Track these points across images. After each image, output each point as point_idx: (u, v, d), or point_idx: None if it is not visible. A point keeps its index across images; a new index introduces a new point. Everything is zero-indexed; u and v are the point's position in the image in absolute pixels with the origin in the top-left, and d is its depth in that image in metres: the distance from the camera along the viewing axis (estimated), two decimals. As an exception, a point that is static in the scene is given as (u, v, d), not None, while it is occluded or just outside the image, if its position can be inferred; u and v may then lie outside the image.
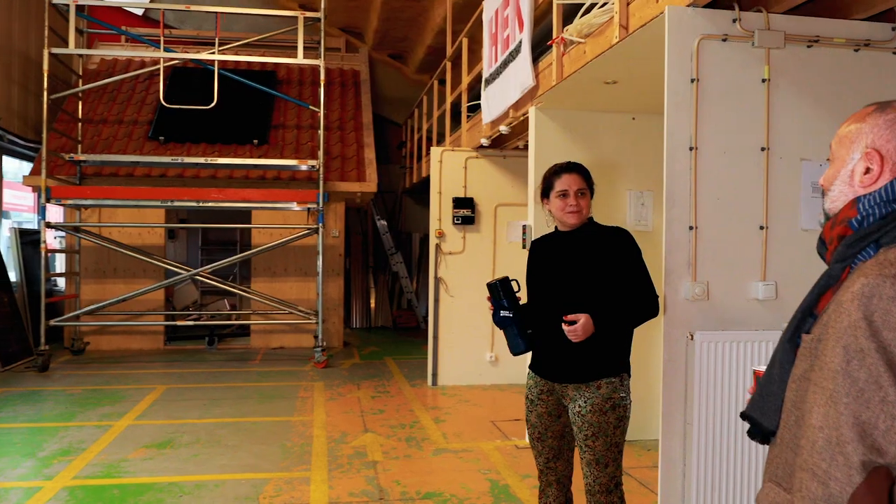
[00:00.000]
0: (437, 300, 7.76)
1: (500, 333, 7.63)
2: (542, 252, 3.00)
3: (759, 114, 3.32)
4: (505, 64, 5.82)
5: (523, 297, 3.01)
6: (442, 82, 9.33)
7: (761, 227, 3.32)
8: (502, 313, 2.87)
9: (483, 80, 6.55)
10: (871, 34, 3.40)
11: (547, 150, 5.46)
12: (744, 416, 1.47)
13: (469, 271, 7.73)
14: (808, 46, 3.35)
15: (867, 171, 1.33)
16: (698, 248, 3.26)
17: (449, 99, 8.66)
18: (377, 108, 12.02)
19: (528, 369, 3.04)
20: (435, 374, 7.76)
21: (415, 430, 5.92)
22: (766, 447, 1.46)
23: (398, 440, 5.58)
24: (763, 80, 3.31)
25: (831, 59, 3.39)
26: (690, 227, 3.25)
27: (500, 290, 2.88)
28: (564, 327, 2.69)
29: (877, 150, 1.33)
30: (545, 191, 2.92)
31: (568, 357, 2.81)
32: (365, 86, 11.75)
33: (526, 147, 7.20)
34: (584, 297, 2.79)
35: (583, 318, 2.67)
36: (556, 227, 3.02)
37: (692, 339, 3.23)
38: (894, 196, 1.29)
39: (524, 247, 5.63)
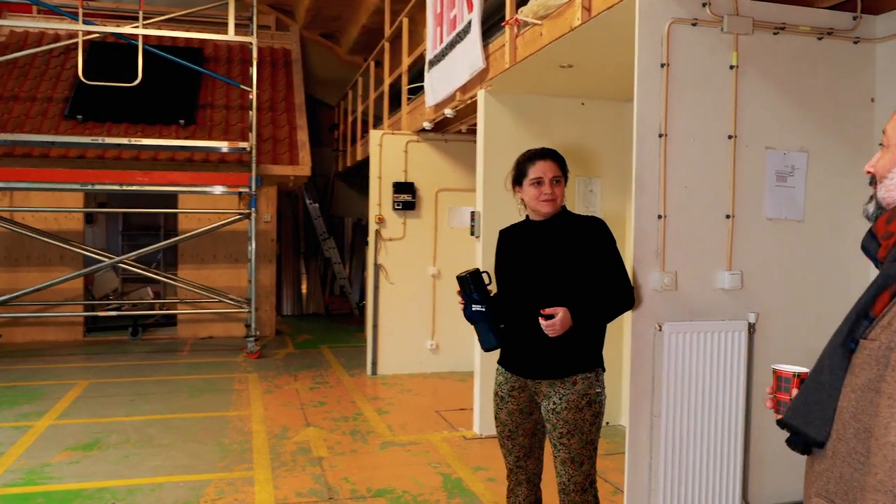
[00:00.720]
0: (376, 287, 7.56)
1: (446, 322, 7.64)
2: (513, 242, 2.86)
3: (727, 101, 3.26)
4: (452, 45, 5.63)
5: (493, 288, 2.87)
6: (379, 64, 9.07)
7: (728, 216, 3.28)
8: (474, 308, 2.72)
9: (427, 61, 6.35)
10: (833, 23, 3.39)
11: (496, 135, 5.33)
12: (784, 424, 1.36)
13: (410, 258, 7.56)
14: (775, 33, 3.31)
15: None
16: (667, 237, 3.19)
17: (387, 81, 8.42)
18: (308, 89, 11.63)
19: (497, 365, 2.90)
20: (374, 363, 7.58)
21: (359, 422, 5.73)
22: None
23: (342, 434, 5.38)
24: (731, 67, 3.25)
25: (796, 46, 3.36)
26: (659, 216, 3.18)
27: (471, 284, 2.73)
28: (542, 322, 2.56)
29: None
30: (517, 178, 2.78)
31: (542, 352, 2.69)
32: (296, 66, 11.35)
33: (469, 131, 7.07)
34: (559, 290, 2.66)
35: (561, 312, 2.55)
36: (527, 216, 2.88)
37: (660, 329, 3.16)
38: None
39: (473, 234, 5.50)
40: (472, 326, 2.79)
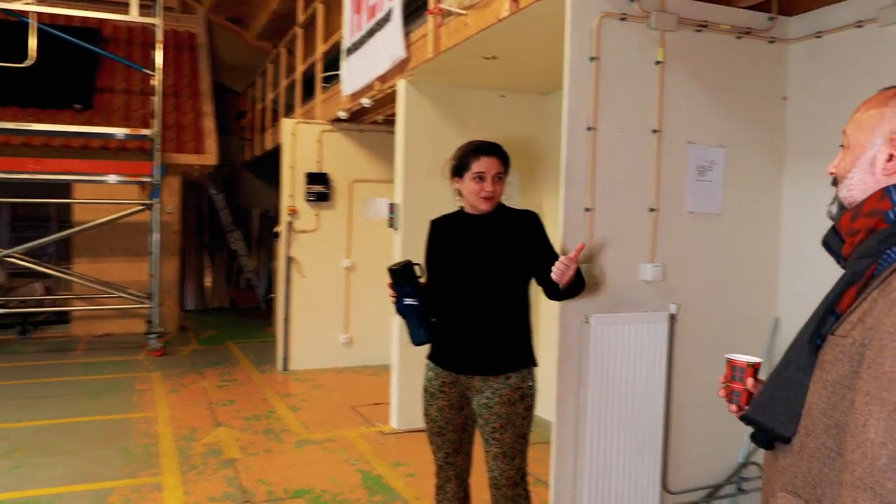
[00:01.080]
0: (288, 281, 7.34)
1: (360, 315, 7.50)
2: (447, 234, 2.80)
3: (653, 96, 3.30)
4: (371, 33, 5.51)
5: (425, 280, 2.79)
6: (291, 51, 8.81)
7: (651, 210, 3.32)
8: (406, 301, 2.64)
9: (344, 49, 6.19)
10: (751, 23, 3.49)
11: (416, 126, 5.26)
12: (749, 420, 1.35)
13: (323, 250, 7.39)
14: (697, 31, 3.37)
15: (891, 158, 1.24)
16: (594, 230, 3.20)
17: (300, 68, 8.19)
18: (214, 75, 11.18)
19: (426, 360, 2.83)
20: (286, 359, 7.37)
21: (272, 420, 5.55)
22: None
23: (255, 433, 5.19)
24: (657, 63, 3.29)
25: (717, 44, 3.44)
26: (587, 209, 3.18)
27: (403, 276, 2.64)
28: (562, 260, 2.45)
29: None
30: (458, 169, 2.71)
31: (476, 348, 2.64)
32: (202, 50, 10.89)
33: (386, 121, 6.96)
34: (495, 284, 2.62)
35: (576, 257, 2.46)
36: (461, 208, 2.82)
37: (587, 322, 3.17)
38: None
39: (391, 226, 5.40)
40: (403, 320, 2.70)
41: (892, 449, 1.02)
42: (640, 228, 3.31)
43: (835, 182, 1.37)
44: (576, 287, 2.58)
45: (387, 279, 2.71)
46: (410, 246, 5.20)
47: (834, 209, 1.35)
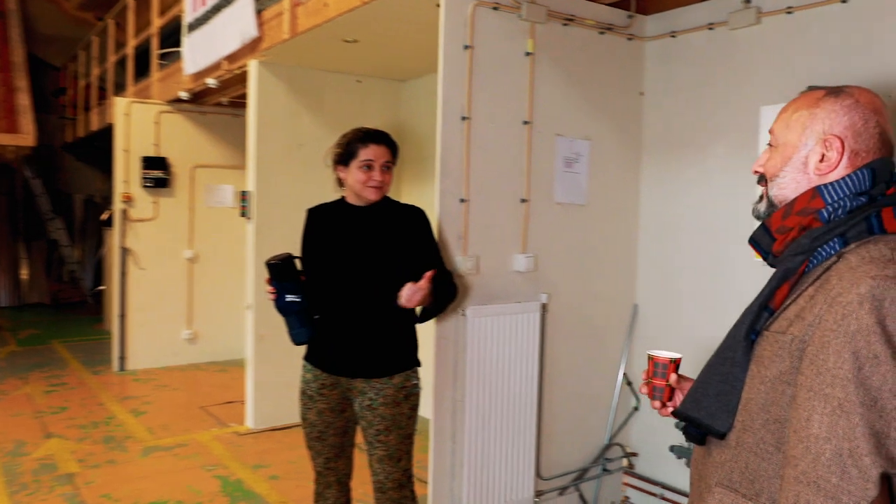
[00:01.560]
0: (123, 274, 6.78)
1: (204, 309, 7.05)
2: (327, 226, 2.64)
3: (524, 87, 3.31)
4: (217, 8, 5.15)
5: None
6: (120, 24, 8.09)
7: (522, 200, 3.34)
8: (288, 298, 2.47)
9: (186, 24, 5.76)
10: (612, 19, 3.59)
11: (270, 109, 5.00)
12: (685, 416, 1.35)
13: (163, 240, 6.89)
14: (565, 24, 3.42)
15: (822, 158, 1.27)
16: (469, 221, 3.17)
17: (132, 43, 7.54)
18: (29, 46, 10.06)
19: (303, 361, 2.68)
20: (122, 358, 6.82)
21: (112, 427, 5.09)
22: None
23: (94, 443, 4.74)
24: (527, 54, 3.30)
25: (583, 38, 3.51)
26: (462, 200, 3.14)
27: (283, 271, 2.47)
28: (408, 286, 2.36)
29: (837, 137, 1.26)
30: (344, 157, 2.56)
31: (359, 349, 2.52)
32: (13, 17, 9.75)
33: (232, 104, 6.60)
34: (380, 281, 2.51)
35: (428, 283, 2.37)
36: (343, 198, 2.68)
37: (464, 314, 3.14)
38: (860, 188, 1.24)
39: (243, 215, 5.10)
40: (282, 318, 2.53)
41: (836, 444, 1.04)
42: (512, 219, 3.32)
43: (761, 180, 1.39)
44: (436, 306, 2.52)
45: (265, 274, 2.52)
46: (265, 236, 4.95)
47: (762, 207, 1.37)
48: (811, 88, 1.35)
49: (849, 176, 1.26)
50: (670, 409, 1.56)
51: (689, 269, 3.60)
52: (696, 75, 3.55)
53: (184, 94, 6.16)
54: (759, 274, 3.27)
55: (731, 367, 1.28)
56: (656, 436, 3.73)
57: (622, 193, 3.76)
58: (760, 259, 1.39)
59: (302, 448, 4.67)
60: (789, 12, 3.18)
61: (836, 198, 1.25)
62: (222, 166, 7.06)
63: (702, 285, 3.55)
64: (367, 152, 2.52)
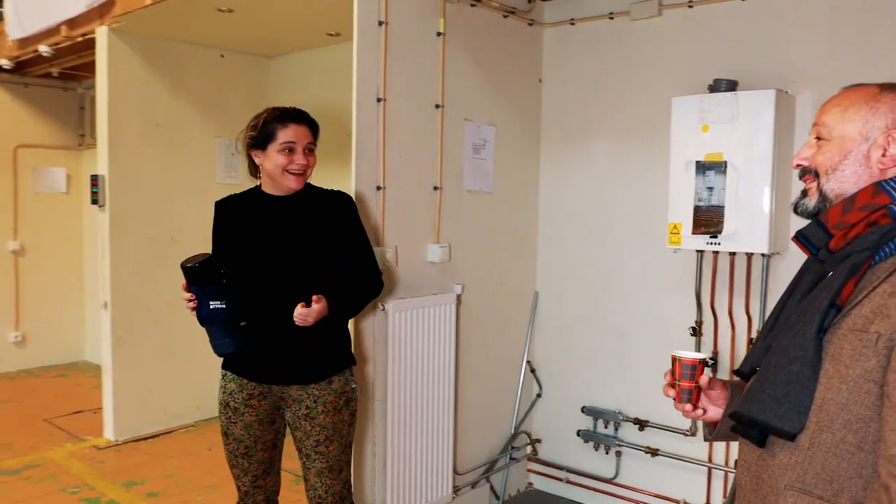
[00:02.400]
0: (-71, 271, 5.82)
1: (33, 308, 6.21)
2: (242, 219, 2.34)
3: (436, 69, 3.16)
4: (54, -35, 4.49)
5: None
6: None
7: (435, 188, 3.21)
8: (213, 305, 2.16)
9: (9, -19, 4.98)
10: (515, 3, 3.53)
11: (123, 84, 4.46)
12: (744, 418, 1.29)
13: (-21, 231, 6.00)
14: (472, 5, 3.31)
15: (885, 153, 1.25)
16: (386, 209, 2.98)
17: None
18: None
19: (223, 370, 2.38)
20: (-69, 369, 5.87)
21: (-67, 452, 4.35)
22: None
23: (-86, 473, 4.02)
24: (438, 34, 3.16)
25: (488, 21, 3.42)
26: (378, 188, 2.95)
27: (204, 276, 2.15)
28: (298, 310, 2.14)
29: None
30: (260, 140, 2.27)
31: (291, 352, 2.27)
32: None
33: (64, 76, 5.92)
34: (310, 279, 2.27)
35: (323, 302, 2.17)
36: (258, 187, 2.39)
37: (384, 310, 2.96)
38: None
39: (95, 202, 4.52)
40: (206, 328, 2.21)
41: None
42: (426, 208, 3.18)
43: (804, 174, 1.35)
44: (349, 310, 2.36)
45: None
46: (123, 226, 4.44)
47: (811, 203, 1.33)
48: (857, 85, 1.33)
49: None
50: (700, 412, 1.51)
51: (585, 255, 3.66)
52: (596, 64, 3.58)
53: (6, 63, 5.34)
54: (652, 260, 3.38)
55: (801, 366, 1.23)
56: (559, 421, 3.77)
57: (524, 181, 3.74)
58: (808, 254, 1.36)
59: (180, 458, 4.28)
60: (690, 6, 3.28)
61: None
62: (51, 147, 6.25)
63: (597, 271, 3.62)
64: (288, 133, 2.25)
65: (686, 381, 1.48)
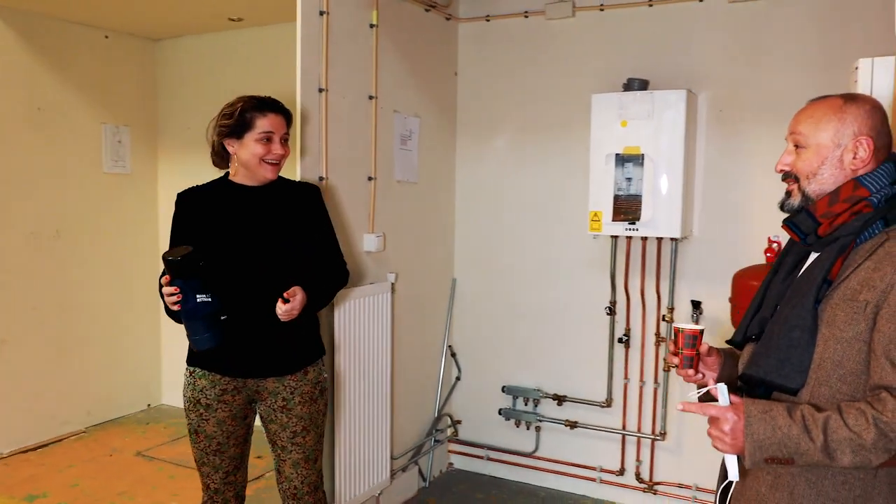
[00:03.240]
0: None
1: None
2: (211, 211, 2.28)
3: (370, 60, 3.20)
4: None
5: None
6: None
7: (370, 178, 3.24)
8: (199, 299, 2.09)
9: None
10: (437, -2, 3.63)
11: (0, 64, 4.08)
12: (753, 378, 1.49)
13: None
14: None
15: (855, 155, 1.48)
16: (328, 200, 2.97)
17: None
18: None
19: (190, 367, 2.31)
20: None
21: None
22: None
23: None
24: (372, 26, 3.19)
25: (413, 14, 3.49)
26: (321, 178, 2.95)
27: (189, 268, 2.09)
28: (281, 305, 2.14)
29: (866, 136, 1.48)
30: (237, 128, 2.22)
31: (268, 345, 2.26)
32: None
33: None
34: (284, 269, 2.27)
35: (300, 295, 2.18)
36: (224, 177, 2.34)
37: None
38: (892, 178, 1.48)
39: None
40: (186, 322, 2.13)
41: None
42: (362, 199, 3.21)
43: (787, 177, 1.57)
44: (321, 301, 2.36)
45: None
46: (0, 220, 4.07)
47: (796, 202, 1.55)
48: (822, 96, 1.57)
49: (880, 168, 1.50)
50: (700, 376, 1.71)
51: (503, 243, 3.85)
52: (512, 60, 3.76)
53: None
54: (570, 245, 3.63)
55: (801, 332, 1.45)
56: (481, 402, 3.93)
57: (443, 172, 3.85)
58: (798, 239, 1.58)
59: (79, 466, 4.02)
60: (601, 9, 3.53)
61: (878, 187, 1.48)
62: None
63: (516, 258, 3.81)
64: (266, 122, 2.23)
65: (688, 350, 1.67)
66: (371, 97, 3.22)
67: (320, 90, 2.91)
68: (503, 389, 3.86)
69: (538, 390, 3.77)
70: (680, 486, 3.49)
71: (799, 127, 1.55)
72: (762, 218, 3.23)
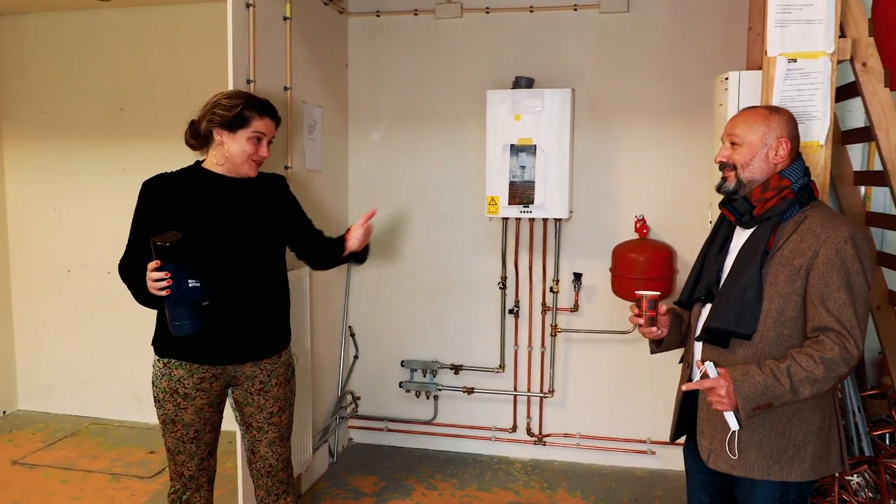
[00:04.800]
0: None
1: None
2: (184, 198, 2.30)
3: (284, 51, 3.28)
4: None
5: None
6: None
7: (286, 168, 3.34)
8: (191, 283, 2.13)
9: None
10: (337, -8, 3.76)
11: None
12: (716, 330, 1.91)
13: None
14: (308, -7, 3.47)
15: (777, 153, 1.95)
16: (257, 190, 3.06)
17: None
18: None
19: (163, 359, 2.33)
20: None
21: None
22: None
23: None
24: (285, 18, 3.28)
25: (313, 7, 3.60)
26: (251, 169, 3.01)
27: (180, 253, 2.12)
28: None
29: (786, 139, 1.96)
30: (233, 122, 2.26)
31: (248, 331, 2.36)
32: None
33: None
34: (261, 257, 2.37)
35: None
36: (195, 165, 2.38)
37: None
38: (805, 171, 1.97)
39: None
40: (170, 307, 2.15)
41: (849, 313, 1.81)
42: (281, 187, 3.30)
43: (723, 167, 2.01)
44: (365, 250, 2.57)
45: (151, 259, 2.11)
46: None
47: (731, 185, 1.99)
48: (751, 107, 2.04)
49: (795, 164, 1.98)
50: (660, 332, 2.12)
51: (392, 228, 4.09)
52: (403, 54, 3.99)
53: None
54: (463, 228, 3.97)
55: (752, 292, 1.90)
56: (382, 377, 4.17)
57: (339, 160, 4.01)
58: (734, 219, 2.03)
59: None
60: (487, 12, 3.87)
61: (796, 178, 1.96)
62: None
63: (413, 241, 4.07)
64: (261, 124, 2.32)
65: (650, 311, 2.08)
66: (286, 88, 3.31)
67: (248, 81, 2.97)
68: (402, 364, 4.12)
69: (436, 362, 4.08)
70: (566, 435, 3.98)
71: (735, 129, 2.00)
72: (628, 199, 3.79)
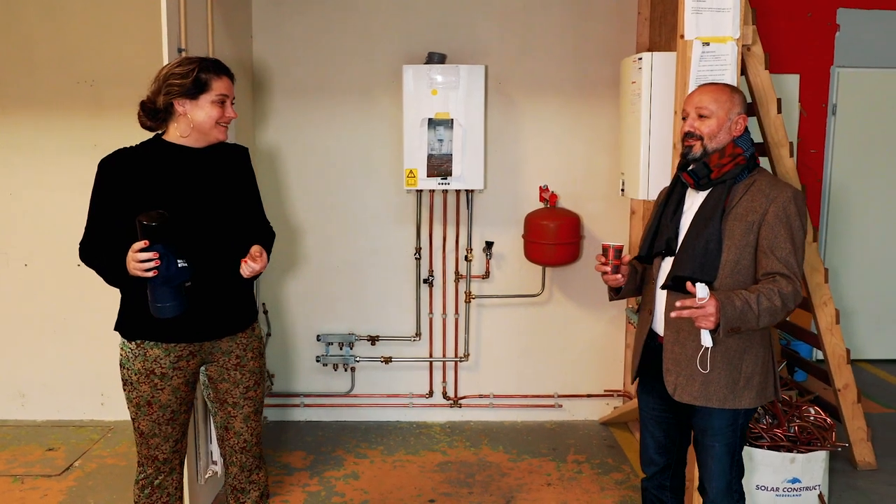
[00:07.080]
0: None
1: None
2: (149, 174, 2.19)
3: (205, 21, 3.17)
4: None
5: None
6: None
7: (210, 142, 3.24)
8: (180, 264, 2.06)
9: None
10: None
11: None
12: (682, 277, 2.17)
13: None
14: (222, -40, 3.35)
15: (736, 125, 2.24)
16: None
17: None
18: None
19: (134, 341, 2.24)
20: None
21: None
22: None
23: None
24: (207, -12, 3.17)
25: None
26: (184, 142, 2.91)
27: (169, 232, 2.05)
28: (250, 265, 2.24)
29: (743, 114, 2.25)
30: (192, 89, 2.17)
31: (223, 304, 2.32)
32: None
33: None
34: (230, 229, 2.33)
35: (264, 253, 2.31)
36: (156, 138, 2.27)
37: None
38: (752, 142, 2.27)
39: None
40: (158, 288, 2.07)
41: (794, 260, 2.13)
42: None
43: (690, 137, 2.26)
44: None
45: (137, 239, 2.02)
46: None
47: (697, 153, 2.25)
48: (712, 83, 2.32)
49: (745, 135, 2.29)
50: (622, 279, 2.35)
51: (302, 204, 4.07)
52: (312, 28, 3.95)
53: None
54: (378, 200, 4.04)
55: (714, 244, 2.18)
56: (298, 353, 4.16)
57: (246, 134, 3.91)
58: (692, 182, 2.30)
59: None
60: (397, -15, 3.94)
61: (747, 146, 2.27)
62: None
63: (316, 216, 4.08)
64: (222, 85, 2.24)
65: (616, 260, 2.31)
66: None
67: (180, 50, 2.86)
68: (318, 338, 4.13)
69: (352, 334, 4.13)
70: (480, 396, 4.21)
71: (704, 103, 2.26)
72: (535, 172, 4.04)
